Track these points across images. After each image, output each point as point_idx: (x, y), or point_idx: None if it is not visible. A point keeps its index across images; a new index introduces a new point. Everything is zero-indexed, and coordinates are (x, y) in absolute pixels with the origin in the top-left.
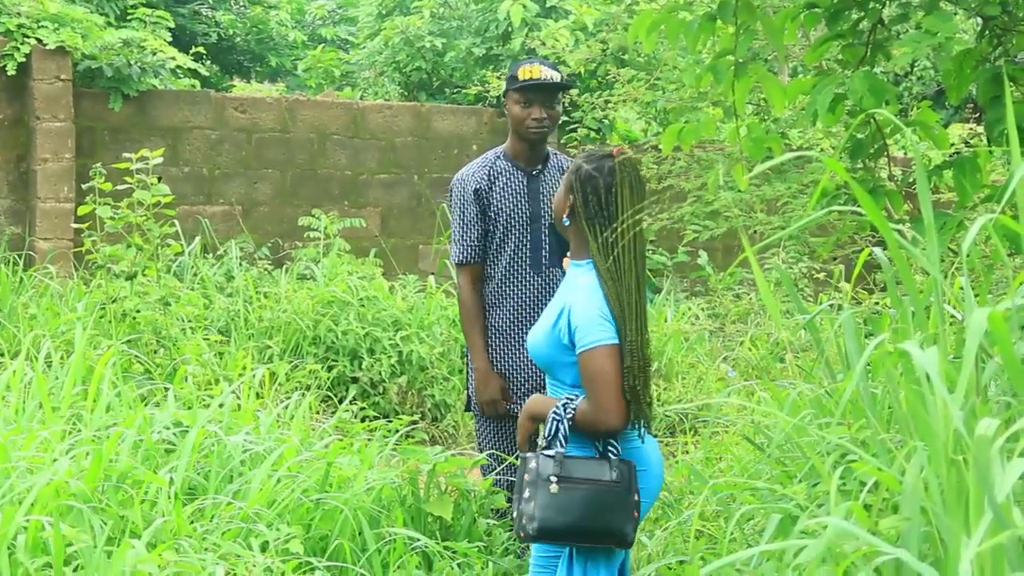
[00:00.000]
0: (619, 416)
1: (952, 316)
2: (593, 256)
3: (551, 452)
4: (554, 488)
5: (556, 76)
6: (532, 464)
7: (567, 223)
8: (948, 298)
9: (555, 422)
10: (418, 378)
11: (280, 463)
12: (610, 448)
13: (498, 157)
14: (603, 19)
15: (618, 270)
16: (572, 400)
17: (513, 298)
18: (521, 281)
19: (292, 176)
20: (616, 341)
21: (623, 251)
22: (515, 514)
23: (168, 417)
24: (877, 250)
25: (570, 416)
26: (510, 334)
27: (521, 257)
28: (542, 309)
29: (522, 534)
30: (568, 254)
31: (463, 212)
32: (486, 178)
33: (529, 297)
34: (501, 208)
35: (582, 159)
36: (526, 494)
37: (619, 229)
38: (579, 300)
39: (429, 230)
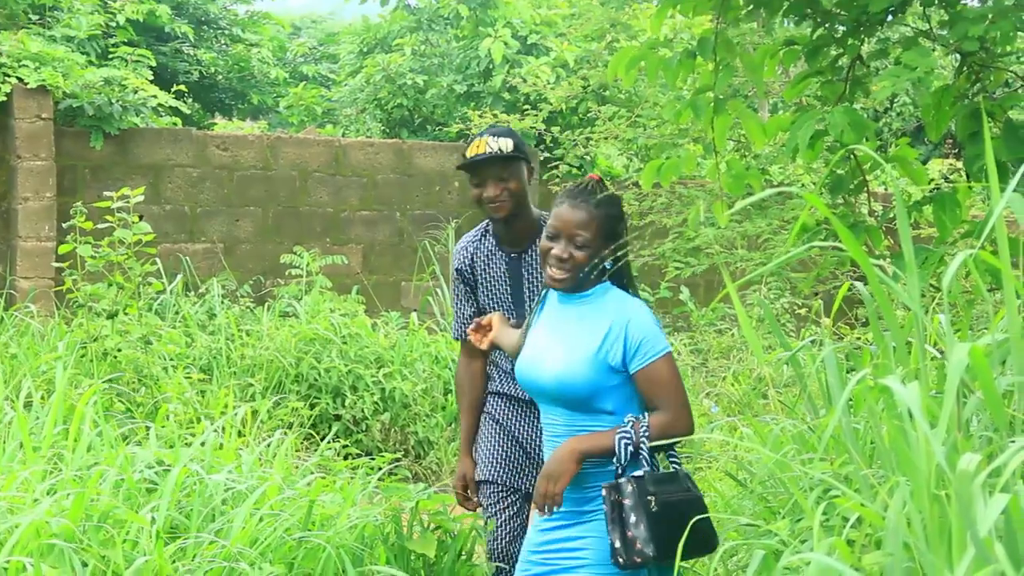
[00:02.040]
0: (692, 419)
1: (933, 354)
2: (629, 278)
3: (640, 473)
4: (654, 507)
5: (506, 145)
6: (629, 489)
7: (610, 267)
8: (929, 333)
9: (626, 444)
10: (401, 415)
11: (262, 501)
12: (675, 460)
13: (486, 232)
14: (584, 56)
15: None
16: (635, 420)
17: (498, 383)
18: (505, 368)
19: (274, 213)
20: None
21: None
22: (617, 544)
23: (150, 456)
24: (859, 285)
25: (646, 433)
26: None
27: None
28: (527, 403)
29: (637, 559)
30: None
31: (454, 288)
32: (469, 258)
33: (503, 399)
34: (483, 291)
35: (595, 202)
36: (632, 519)
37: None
38: (633, 314)
39: (411, 267)
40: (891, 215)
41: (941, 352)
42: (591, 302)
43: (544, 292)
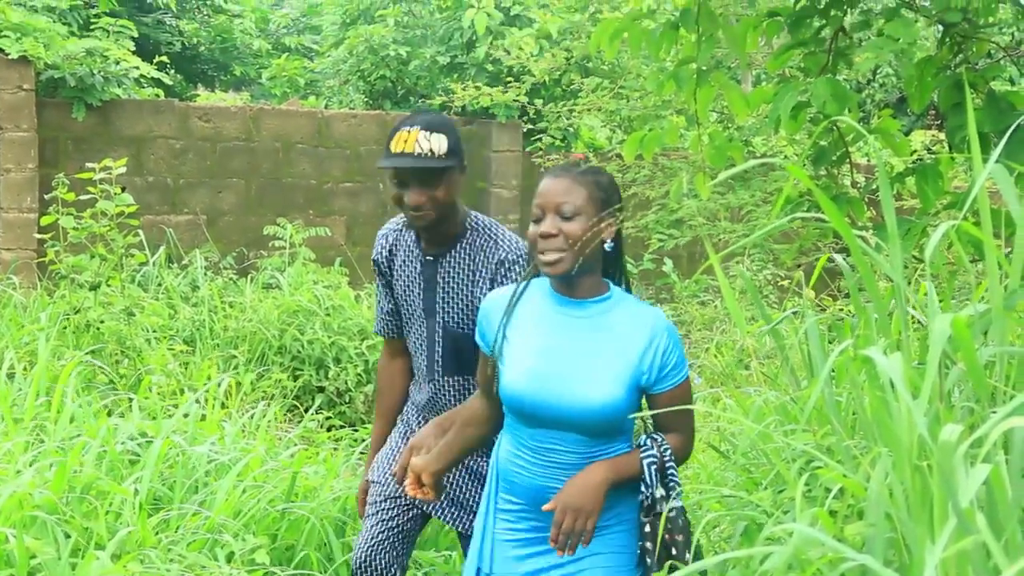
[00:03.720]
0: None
1: (916, 321)
2: (628, 276)
3: (678, 503)
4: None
5: (439, 146)
6: (680, 522)
7: (610, 248)
8: (911, 305)
9: (655, 469)
10: None
11: (246, 473)
12: (674, 479)
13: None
14: (567, 27)
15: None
16: (655, 440)
17: (419, 396)
18: (421, 380)
19: (257, 185)
20: None
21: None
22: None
23: (132, 428)
24: (839, 257)
25: (671, 455)
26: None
27: (419, 356)
28: (418, 426)
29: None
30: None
31: (376, 280)
32: (387, 249)
33: (415, 406)
34: (398, 291)
35: (589, 175)
36: (679, 551)
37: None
38: (669, 330)
39: None
40: (874, 186)
41: (924, 320)
42: (609, 309)
43: (520, 287)
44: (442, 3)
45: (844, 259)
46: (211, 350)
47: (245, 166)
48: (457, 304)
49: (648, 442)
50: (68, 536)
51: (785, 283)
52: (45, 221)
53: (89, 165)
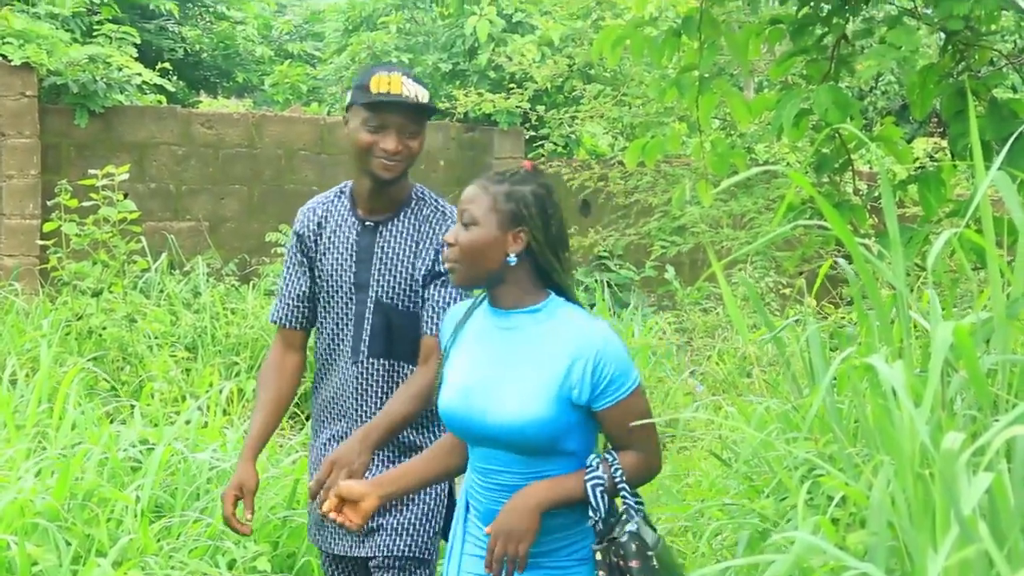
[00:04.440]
0: (661, 457)
1: (918, 329)
2: (566, 288)
3: (633, 527)
4: (656, 564)
5: (423, 94)
6: (633, 548)
7: (514, 262)
8: (914, 312)
9: (602, 492)
10: None
11: None
12: (639, 500)
13: (342, 193)
14: (569, 34)
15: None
16: (604, 460)
17: (325, 390)
18: (335, 370)
19: (259, 192)
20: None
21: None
22: None
23: (134, 434)
24: (843, 263)
25: (621, 475)
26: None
27: (340, 337)
28: (354, 409)
29: None
30: (489, 302)
31: (288, 259)
32: (316, 221)
33: (340, 393)
34: (324, 266)
35: (506, 184)
36: (637, 564)
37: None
38: (603, 342)
39: None
40: (876, 194)
41: (927, 326)
42: (541, 321)
43: (476, 301)
44: (444, 10)
45: (848, 265)
46: (213, 357)
47: (247, 173)
48: (394, 276)
49: (595, 463)
50: (69, 543)
51: (787, 291)
52: (48, 227)
53: (91, 171)
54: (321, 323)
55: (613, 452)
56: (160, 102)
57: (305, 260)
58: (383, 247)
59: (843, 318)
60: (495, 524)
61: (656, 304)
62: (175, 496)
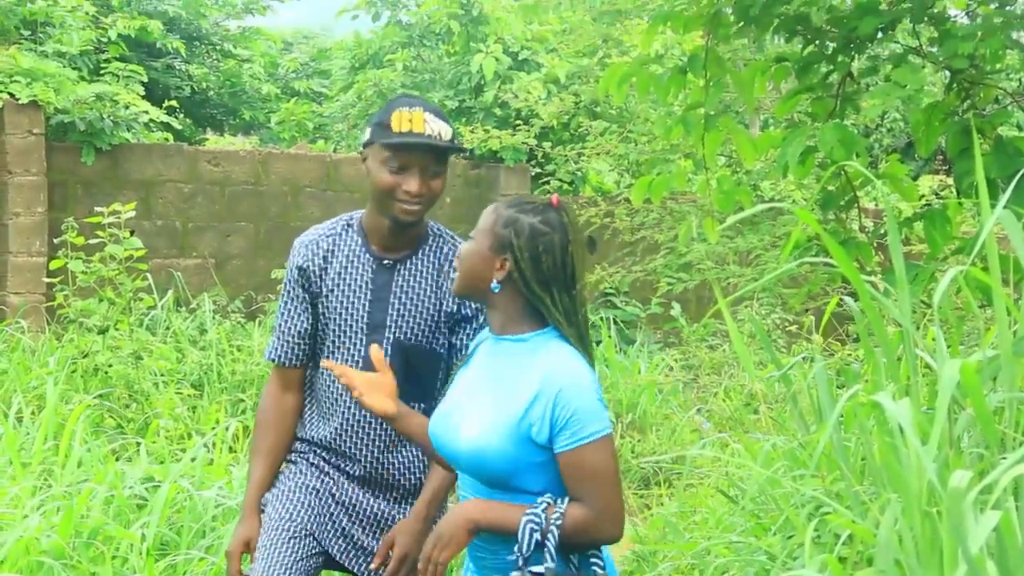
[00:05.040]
0: (623, 521)
1: (925, 367)
2: (558, 323)
3: (540, 569)
4: None
5: (446, 131)
6: None
7: (497, 289)
8: (920, 350)
9: (533, 532)
10: None
11: None
12: (595, 562)
13: (349, 226)
14: (575, 72)
15: (582, 340)
16: (550, 503)
17: (322, 429)
18: (337, 410)
19: (265, 229)
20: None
21: (583, 319)
22: None
23: (140, 472)
24: (849, 300)
25: (558, 524)
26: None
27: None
28: (367, 453)
29: None
30: (491, 328)
31: (287, 293)
32: (320, 254)
33: (342, 434)
34: (331, 303)
35: (514, 209)
36: None
37: (579, 293)
38: (570, 381)
39: None
40: (882, 231)
41: (933, 364)
42: (525, 351)
43: (483, 336)
44: (450, 48)
45: (854, 302)
46: (219, 394)
47: (254, 210)
48: (414, 316)
49: (543, 503)
50: None
51: (793, 328)
52: (54, 265)
53: (98, 209)
54: (324, 360)
55: (564, 499)
56: (167, 140)
57: (307, 296)
58: (402, 286)
59: (850, 355)
60: (437, 525)
61: (662, 341)
62: (180, 534)
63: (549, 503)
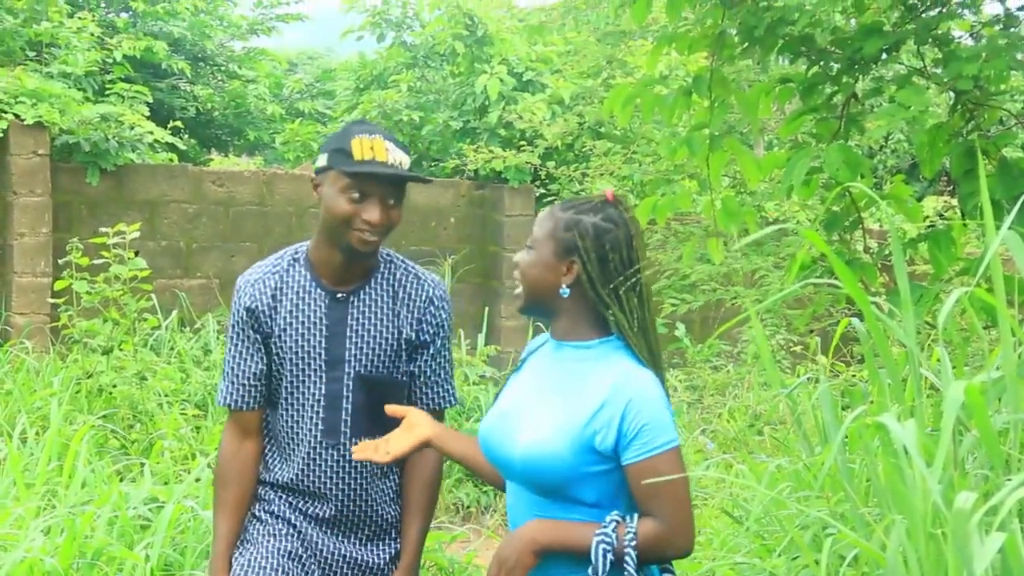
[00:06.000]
0: (694, 534)
1: (930, 387)
2: (624, 331)
3: None
4: None
5: (405, 160)
6: None
7: (566, 294)
8: (925, 370)
9: (606, 552)
10: None
11: None
12: (630, 572)
13: (295, 261)
14: (580, 92)
15: (651, 349)
16: (619, 521)
17: (285, 471)
18: (299, 451)
19: (270, 249)
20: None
21: (652, 324)
22: None
23: (144, 493)
24: (855, 321)
25: (633, 543)
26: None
27: (307, 417)
28: (336, 492)
29: None
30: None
31: (236, 336)
32: (267, 293)
33: (307, 474)
34: (285, 342)
35: (572, 211)
36: None
37: (645, 292)
38: (640, 391)
39: None
40: (886, 252)
41: (938, 383)
42: (591, 358)
43: (537, 343)
44: (455, 68)
45: (860, 323)
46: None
47: (258, 230)
48: (372, 348)
49: (613, 521)
50: None
51: (798, 348)
52: (59, 286)
53: (103, 230)
54: (282, 402)
55: (632, 515)
56: (171, 160)
57: (258, 336)
58: (357, 318)
59: (854, 376)
60: (498, 548)
61: (667, 362)
62: (184, 554)
63: (619, 521)
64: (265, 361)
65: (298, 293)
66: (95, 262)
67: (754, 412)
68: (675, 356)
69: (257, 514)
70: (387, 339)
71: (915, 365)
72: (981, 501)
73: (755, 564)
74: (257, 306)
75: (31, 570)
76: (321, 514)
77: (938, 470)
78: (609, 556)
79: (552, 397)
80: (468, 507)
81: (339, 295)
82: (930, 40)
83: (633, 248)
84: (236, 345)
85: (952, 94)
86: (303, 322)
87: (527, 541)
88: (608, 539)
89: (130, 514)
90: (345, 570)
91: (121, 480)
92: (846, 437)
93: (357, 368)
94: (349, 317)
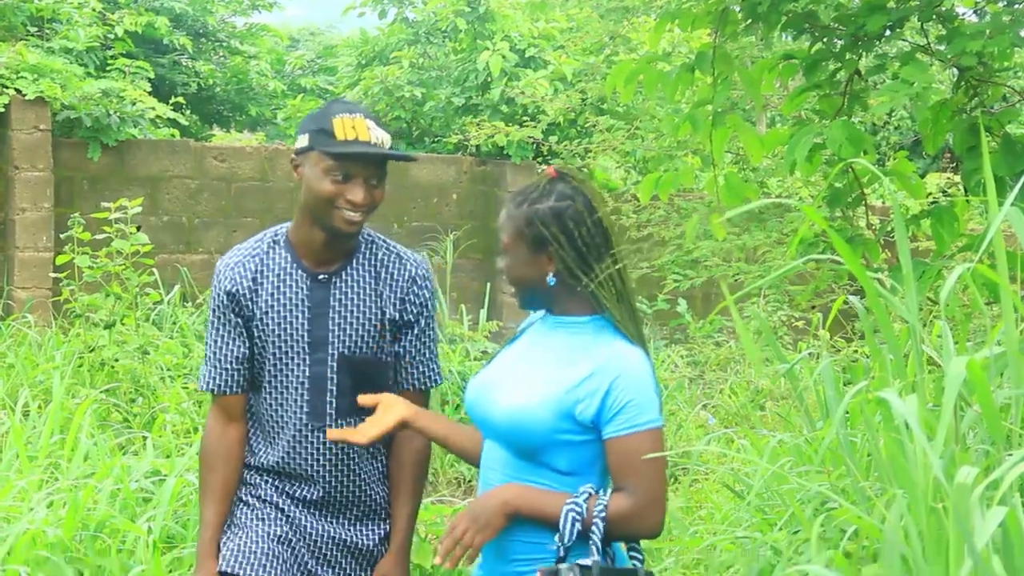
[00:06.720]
0: (665, 515)
1: (931, 363)
2: (611, 308)
3: (588, 562)
4: None
5: (387, 139)
6: None
7: (553, 283)
8: (927, 346)
9: (575, 521)
10: None
11: None
12: (634, 556)
13: (275, 243)
14: (582, 69)
15: (636, 324)
16: (592, 493)
17: (270, 454)
18: (284, 434)
19: (271, 224)
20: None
21: (631, 296)
22: None
23: (146, 466)
24: (855, 299)
25: (602, 514)
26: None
27: (292, 400)
28: (324, 473)
29: None
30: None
31: (216, 320)
32: (250, 276)
33: (293, 457)
34: (267, 324)
35: (526, 204)
36: None
37: (618, 263)
38: (628, 369)
39: None
40: (889, 228)
41: (938, 365)
42: (579, 332)
43: (534, 317)
44: (457, 45)
45: (859, 301)
46: None
47: (260, 206)
48: (356, 328)
49: (585, 492)
50: (81, 574)
51: (799, 324)
52: (60, 260)
53: (104, 205)
54: (265, 386)
55: (609, 491)
56: (173, 136)
57: (239, 320)
58: (340, 299)
59: (856, 352)
60: (469, 505)
61: (668, 337)
62: (187, 527)
63: (591, 493)
64: (247, 345)
65: (279, 275)
66: (97, 237)
67: (755, 388)
68: (677, 332)
69: (244, 498)
70: (370, 320)
71: (917, 341)
72: (982, 476)
73: (756, 538)
74: (238, 289)
75: (34, 542)
76: (309, 496)
77: (939, 445)
78: (577, 525)
79: (542, 366)
80: (469, 480)
81: (321, 276)
82: (934, 16)
83: (595, 211)
84: (218, 329)
85: (956, 71)
86: (285, 304)
87: (500, 503)
88: (579, 508)
89: (132, 487)
90: (335, 552)
91: (123, 453)
92: (847, 412)
93: (340, 349)
94: (331, 298)
